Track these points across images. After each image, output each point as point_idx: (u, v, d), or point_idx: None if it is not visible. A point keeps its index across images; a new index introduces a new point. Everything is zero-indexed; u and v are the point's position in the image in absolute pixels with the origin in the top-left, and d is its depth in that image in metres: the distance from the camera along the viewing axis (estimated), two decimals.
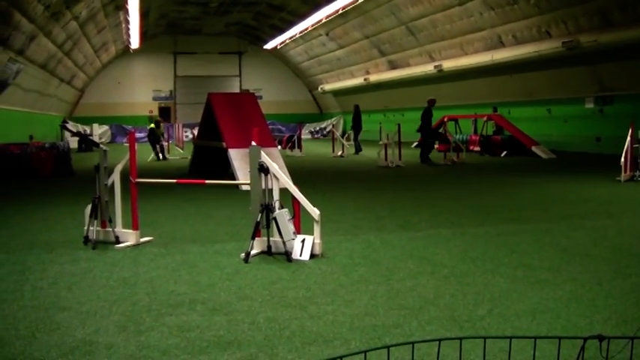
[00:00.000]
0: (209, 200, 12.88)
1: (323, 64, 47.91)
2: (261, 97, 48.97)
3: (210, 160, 17.81)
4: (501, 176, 17.20)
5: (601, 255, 7.29)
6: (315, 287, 6.12)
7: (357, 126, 30.30)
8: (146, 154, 27.51)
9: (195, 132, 23.44)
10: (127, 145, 8.54)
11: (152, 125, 28.74)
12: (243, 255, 7.32)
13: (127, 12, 33.23)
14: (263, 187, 7.46)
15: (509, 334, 4.70)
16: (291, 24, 41.15)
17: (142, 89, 52.76)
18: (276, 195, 7.56)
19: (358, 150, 29.14)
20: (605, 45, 22.04)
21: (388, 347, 2.20)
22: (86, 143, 34.24)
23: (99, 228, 8.44)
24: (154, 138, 27.96)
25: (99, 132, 44.01)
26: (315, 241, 7.40)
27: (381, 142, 22.02)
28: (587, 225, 9.35)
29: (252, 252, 7.38)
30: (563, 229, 8.97)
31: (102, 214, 8.46)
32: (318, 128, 51.78)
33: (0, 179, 17.94)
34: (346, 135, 33.61)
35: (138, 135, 39.46)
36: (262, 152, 7.55)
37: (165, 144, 29.51)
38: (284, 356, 4.40)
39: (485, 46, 29.02)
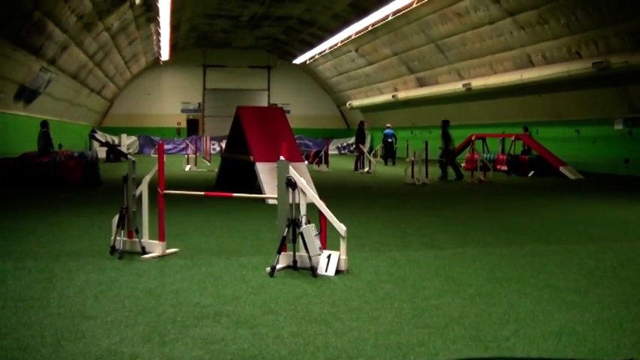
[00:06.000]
0: (235, 213, 12.92)
1: (352, 80, 47.98)
2: (289, 112, 49.12)
3: (237, 173, 17.87)
4: (529, 196, 17.08)
5: (629, 278, 7.20)
6: (340, 303, 6.10)
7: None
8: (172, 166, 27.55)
9: (223, 145, 23.55)
10: (155, 156, 8.60)
11: None
12: (268, 269, 7.32)
13: (158, 24, 33.56)
14: (290, 201, 7.47)
15: (536, 356, 4.66)
16: (320, 39, 41.30)
17: (170, 101, 53.16)
18: (303, 210, 7.56)
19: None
20: (635, 66, 21.86)
21: None
22: (114, 153, 34.56)
23: (126, 238, 8.49)
24: None
25: (127, 142, 44.33)
26: (341, 257, 7.39)
27: (407, 160, 21.99)
28: (614, 247, 9.25)
29: (278, 266, 7.38)
30: (591, 251, 8.88)
31: (129, 225, 8.50)
32: (345, 144, 51.79)
33: (28, 187, 18.12)
34: (373, 151, 33.54)
35: (166, 147, 39.72)
36: (290, 167, 7.57)
37: None
38: None
39: (515, 66, 28.92)
